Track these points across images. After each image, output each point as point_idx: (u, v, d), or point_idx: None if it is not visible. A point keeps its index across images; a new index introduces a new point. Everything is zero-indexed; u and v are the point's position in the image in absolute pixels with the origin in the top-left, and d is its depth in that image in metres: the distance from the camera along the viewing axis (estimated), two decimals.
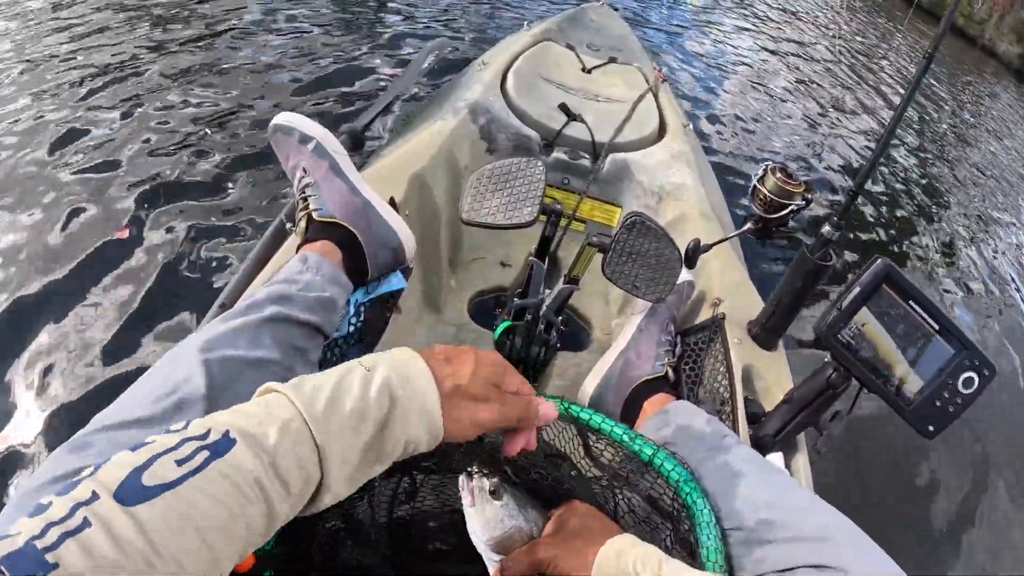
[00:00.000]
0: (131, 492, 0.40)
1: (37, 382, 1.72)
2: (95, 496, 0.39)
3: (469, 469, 0.80)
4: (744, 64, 5.64)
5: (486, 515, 0.77)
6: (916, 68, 1.05)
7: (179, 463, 0.42)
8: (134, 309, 1.96)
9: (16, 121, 2.72)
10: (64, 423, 1.63)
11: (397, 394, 0.54)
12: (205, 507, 0.42)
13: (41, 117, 2.75)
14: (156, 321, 1.94)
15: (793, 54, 6.39)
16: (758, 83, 5.20)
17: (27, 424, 1.63)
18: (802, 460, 1.20)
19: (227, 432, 0.45)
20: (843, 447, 2.13)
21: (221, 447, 0.44)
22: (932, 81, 7.80)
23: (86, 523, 0.37)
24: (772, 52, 6.27)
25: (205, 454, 0.43)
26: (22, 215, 2.22)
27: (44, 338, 1.82)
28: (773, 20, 7.89)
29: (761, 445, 1.17)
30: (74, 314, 1.90)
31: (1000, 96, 9.38)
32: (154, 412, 0.69)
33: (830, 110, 5.21)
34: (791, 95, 5.20)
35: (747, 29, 6.94)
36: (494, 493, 0.78)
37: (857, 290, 0.97)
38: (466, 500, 0.79)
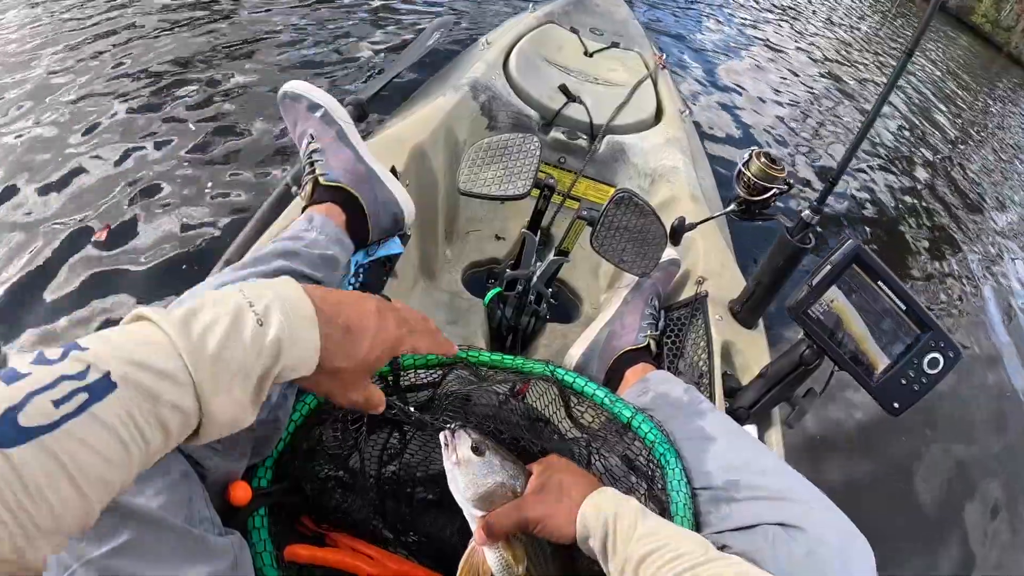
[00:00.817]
0: (6, 433, 0.37)
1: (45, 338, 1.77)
2: None
3: (450, 426, 0.80)
4: (745, 53, 5.68)
5: (468, 472, 0.76)
6: (896, 62, 1.09)
7: (56, 404, 0.40)
8: (142, 266, 2.00)
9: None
10: None
11: (284, 347, 0.53)
12: (83, 455, 0.40)
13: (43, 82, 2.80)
14: (162, 278, 1.98)
15: (791, 48, 6.42)
16: (756, 73, 5.23)
17: None
18: (775, 434, 1.26)
19: (107, 373, 0.43)
20: (818, 425, 2.19)
21: (99, 390, 0.42)
22: (953, 87, 7.86)
23: None
24: (772, 45, 6.30)
25: (84, 396, 0.41)
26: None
27: (49, 296, 1.87)
28: (777, 11, 7.93)
29: (736, 417, 1.22)
30: (84, 272, 1.95)
31: (1020, 103, 9.36)
32: None
33: (822, 100, 5.28)
34: (785, 85, 5.24)
35: (749, 21, 6.96)
36: (476, 449, 0.77)
37: (827, 268, 1.01)
38: (447, 457, 0.78)
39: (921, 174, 4.63)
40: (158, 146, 2.51)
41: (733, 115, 4.23)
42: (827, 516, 0.78)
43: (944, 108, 6.74)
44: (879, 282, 1.01)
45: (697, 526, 0.84)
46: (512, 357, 1.00)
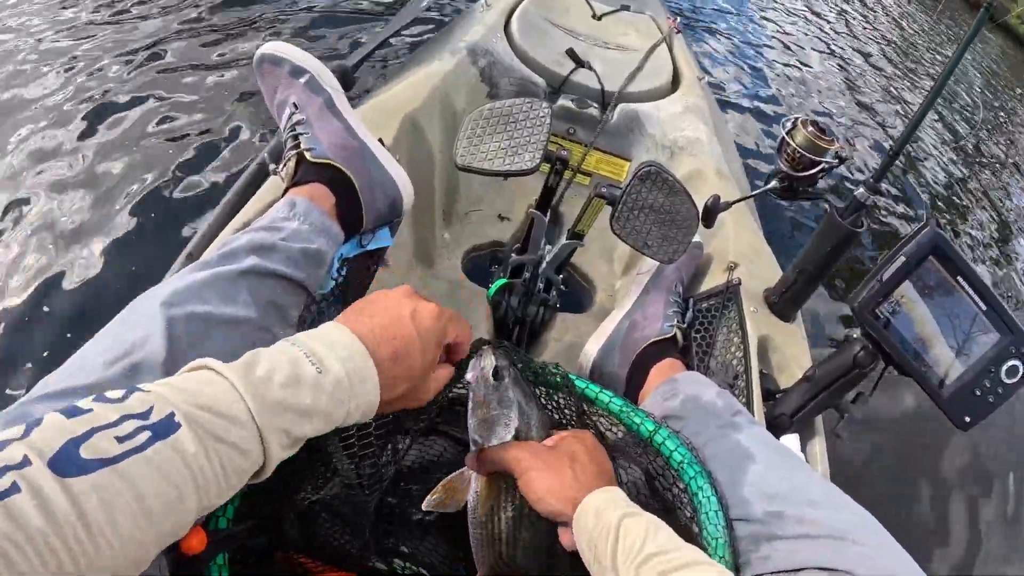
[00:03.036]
0: (67, 463, 0.38)
1: None
2: (26, 461, 0.37)
3: (485, 346, 0.76)
4: (771, 22, 5.37)
5: (478, 390, 0.73)
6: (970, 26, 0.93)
7: (119, 440, 0.41)
8: (87, 261, 1.73)
9: None
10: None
11: (344, 398, 0.55)
12: (143, 487, 0.40)
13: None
14: (113, 276, 1.71)
15: (828, 17, 6.15)
16: (787, 41, 4.94)
17: None
18: (819, 444, 1.11)
19: (171, 414, 0.44)
20: (864, 432, 2.03)
21: (163, 429, 0.43)
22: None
23: (15, 487, 0.35)
24: (802, 14, 6.02)
25: (147, 434, 0.42)
26: None
27: None
28: None
29: (776, 425, 1.08)
30: (17, 266, 1.70)
31: None
32: (103, 378, 0.58)
33: (867, 70, 4.98)
34: (823, 55, 4.95)
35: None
36: (496, 373, 0.73)
37: (901, 260, 0.86)
38: (467, 375, 0.74)
39: (964, 148, 4.39)
40: (105, 118, 2.22)
41: (757, 85, 3.95)
42: (883, 558, 0.65)
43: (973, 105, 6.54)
44: (958, 277, 0.88)
45: (736, 568, 0.71)
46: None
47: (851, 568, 0.62)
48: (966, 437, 2.15)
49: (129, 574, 0.41)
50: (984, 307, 0.88)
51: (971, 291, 0.88)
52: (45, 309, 1.62)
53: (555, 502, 0.67)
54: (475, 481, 0.74)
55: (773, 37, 4.95)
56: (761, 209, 1.83)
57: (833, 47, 5.28)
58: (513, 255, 1.32)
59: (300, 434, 0.52)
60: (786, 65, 4.43)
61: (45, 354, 1.52)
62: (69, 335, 1.56)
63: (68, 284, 1.68)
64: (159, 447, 0.42)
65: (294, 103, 1.00)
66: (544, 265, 1.29)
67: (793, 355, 1.22)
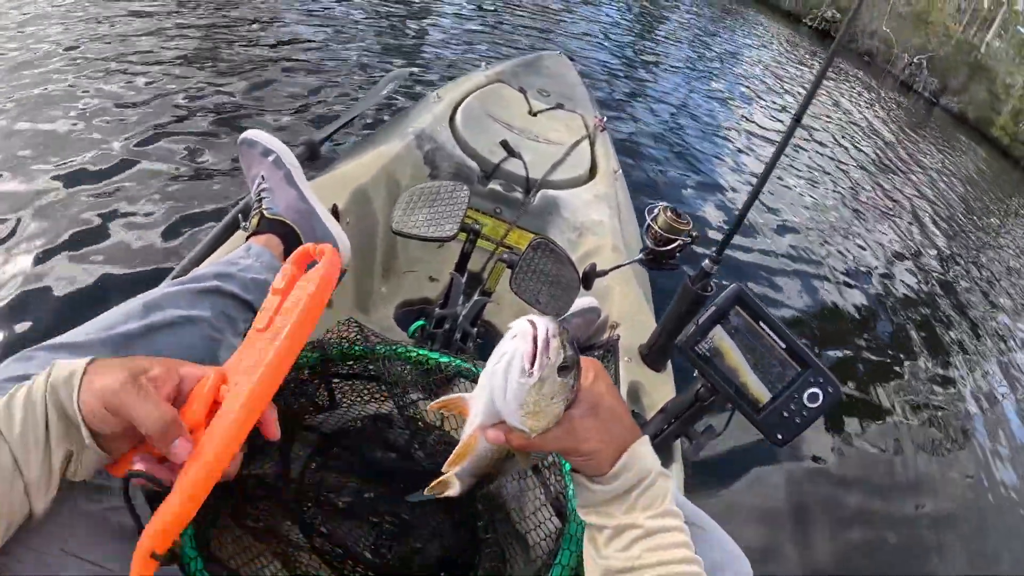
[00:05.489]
0: None
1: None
2: None
3: (549, 324, 0.62)
4: (678, 116, 6.20)
5: (541, 386, 0.61)
6: (785, 127, 1.25)
7: None
8: (93, 282, 2.11)
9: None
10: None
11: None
12: None
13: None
14: (113, 292, 2.08)
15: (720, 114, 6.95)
16: (687, 134, 5.76)
17: None
18: (676, 467, 1.36)
19: None
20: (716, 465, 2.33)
21: None
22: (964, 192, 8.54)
23: None
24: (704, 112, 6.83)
25: None
26: None
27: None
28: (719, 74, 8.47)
29: None
30: (45, 280, 2.08)
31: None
32: (89, 340, 0.82)
33: (741, 159, 5.78)
34: (710, 147, 5.76)
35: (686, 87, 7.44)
36: (564, 368, 0.61)
37: (712, 309, 1.11)
38: (523, 353, 0.61)
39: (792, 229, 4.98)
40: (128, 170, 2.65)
41: (664, 173, 4.63)
42: (720, 538, 0.86)
43: (955, 209, 7.41)
44: (760, 322, 1.10)
45: None
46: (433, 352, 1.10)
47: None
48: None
49: None
50: (784, 346, 1.10)
51: (772, 333, 1.10)
52: (73, 297, 2.04)
53: (609, 465, 0.67)
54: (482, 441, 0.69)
55: (677, 132, 5.76)
56: (654, 277, 2.12)
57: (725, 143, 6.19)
58: (437, 309, 1.55)
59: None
60: (687, 160, 5.19)
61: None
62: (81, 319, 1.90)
63: (94, 288, 2.09)
64: None
65: (262, 175, 1.28)
66: (460, 319, 1.52)
67: (661, 397, 1.46)
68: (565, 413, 0.64)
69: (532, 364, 0.60)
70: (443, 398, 0.71)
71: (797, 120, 1.26)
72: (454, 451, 0.70)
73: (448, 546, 1.15)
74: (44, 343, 0.80)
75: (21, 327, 1.88)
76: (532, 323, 0.61)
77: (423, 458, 1.15)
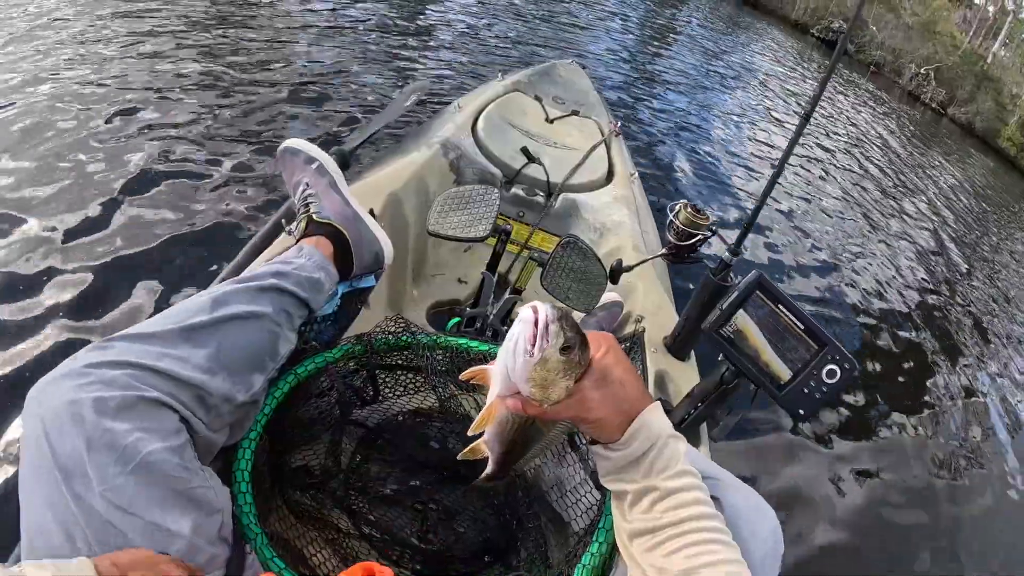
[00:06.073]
0: None
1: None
2: None
3: (548, 310, 0.68)
4: (689, 120, 6.33)
5: (544, 365, 0.68)
6: (796, 126, 1.32)
7: None
8: (170, 271, 2.33)
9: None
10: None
11: None
12: None
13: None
14: (179, 279, 2.31)
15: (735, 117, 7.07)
16: (699, 137, 5.89)
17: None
18: (703, 450, 1.42)
19: None
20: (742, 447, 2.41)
21: None
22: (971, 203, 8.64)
23: None
24: (723, 114, 6.92)
25: None
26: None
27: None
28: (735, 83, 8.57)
29: None
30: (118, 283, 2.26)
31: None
32: (164, 330, 0.89)
33: (753, 160, 5.90)
34: (723, 149, 5.89)
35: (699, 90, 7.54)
36: (566, 349, 0.68)
37: (735, 294, 1.18)
38: (525, 336, 0.68)
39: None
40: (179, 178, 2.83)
41: (679, 175, 4.77)
42: (742, 490, 0.87)
43: (963, 218, 7.55)
44: (779, 305, 1.17)
45: None
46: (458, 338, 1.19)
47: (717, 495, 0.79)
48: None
49: None
50: (802, 327, 1.16)
51: (791, 315, 1.16)
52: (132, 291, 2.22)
53: (619, 433, 0.72)
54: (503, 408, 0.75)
55: (700, 135, 5.95)
56: (674, 271, 2.20)
57: (739, 144, 6.33)
58: (468, 308, 1.63)
59: None
60: (705, 162, 5.34)
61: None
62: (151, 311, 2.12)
63: (160, 283, 2.28)
64: None
65: (306, 182, 1.37)
66: (491, 317, 1.58)
67: (686, 384, 1.52)
68: (575, 385, 0.70)
69: (533, 345, 0.67)
70: (472, 369, 0.78)
71: (806, 118, 1.33)
72: (478, 416, 0.77)
73: (490, 531, 1.23)
74: (120, 332, 0.86)
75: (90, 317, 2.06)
76: (534, 309, 0.68)
77: (461, 448, 1.22)
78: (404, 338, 1.19)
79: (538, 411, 0.71)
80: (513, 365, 0.69)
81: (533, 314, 0.68)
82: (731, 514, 0.78)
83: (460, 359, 1.24)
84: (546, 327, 0.67)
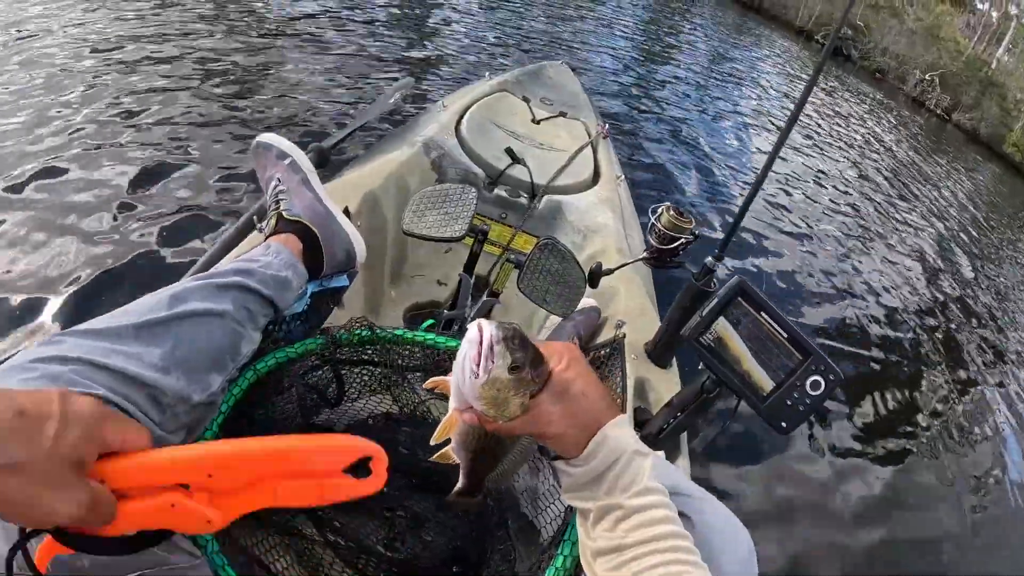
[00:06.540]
0: None
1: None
2: None
3: (491, 327, 0.67)
4: (683, 124, 6.30)
5: (492, 387, 0.66)
6: (780, 131, 1.29)
7: None
8: (115, 277, 2.26)
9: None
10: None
11: None
12: None
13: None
14: (147, 275, 2.28)
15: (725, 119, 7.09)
16: (692, 141, 5.88)
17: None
18: (683, 461, 1.39)
19: None
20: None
21: None
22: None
23: None
24: (711, 117, 6.96)
25: None
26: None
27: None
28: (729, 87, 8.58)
29: (645, 444, 1.34)
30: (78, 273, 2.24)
31: None
32: (118, 326, 0.85)
33: (746, 165, 5.92)
34: (717, 154, 5.88)
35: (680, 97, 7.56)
36: (515, 368, 0.66)
37: (715, 301, 1.13)
38: (470, 355, 0.66)
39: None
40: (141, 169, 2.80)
41: (668, 178, 4.77)
42: (715, 508, 0.85)
43: (965, 224, 7.58)
44: (762, 313, 1.12)
45: None
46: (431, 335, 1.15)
47: (689, 513, 0.76)
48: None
49: None
50: (785, 335, 1.11)
51: (774, 324, 1.11)
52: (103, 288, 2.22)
53: (579, 449, 0.70)
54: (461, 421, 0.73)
55: (686, 137, 5.92)
56: (660, 276, 2.16)
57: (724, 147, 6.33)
58: (444, 311, 1.59)
59: None
60: (690, 165, 5.32)
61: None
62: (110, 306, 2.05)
63: (126, 279, 2.27)
64: None
65: (279, 178, 1.32)
66: (468, 320, 1.54)
67: (667, 392, 1.49)
68: (533, 400, 0.68)
69: (479, 366, 0.66)
70: (434, 379, 0.76)
71: (793, 120, 1.30)
72: (439, 426, 0.74)
73: (459, 539, 1.19)
74: (72, 328, 0.83)
75: (44, 315, 2.04)
76: (480, 328, 0.66)
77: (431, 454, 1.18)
78: (363, 332, 1.15)
79: (495, 426, 0.70)
80: (463, 383, 0.68)
81: (478, 333, 0.66)
82: (702, 532, 0.75)
83: (427, 357, 1.21)
84: (491, 348, 0.66)
